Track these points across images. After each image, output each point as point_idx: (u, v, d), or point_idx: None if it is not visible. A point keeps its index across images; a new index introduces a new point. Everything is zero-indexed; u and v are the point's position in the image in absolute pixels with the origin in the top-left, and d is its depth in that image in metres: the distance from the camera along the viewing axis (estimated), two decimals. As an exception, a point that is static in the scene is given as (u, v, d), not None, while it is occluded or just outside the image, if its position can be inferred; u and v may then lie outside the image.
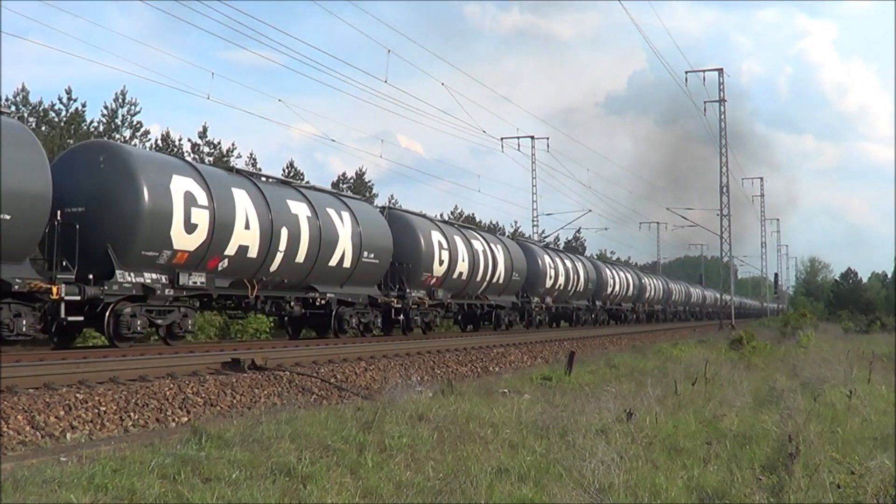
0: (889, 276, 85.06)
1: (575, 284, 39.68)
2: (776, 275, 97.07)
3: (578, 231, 72.49)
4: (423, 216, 26.72)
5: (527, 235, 49.97)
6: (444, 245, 25.51)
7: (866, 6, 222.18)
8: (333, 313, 20.36)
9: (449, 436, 8.30)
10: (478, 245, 28.45)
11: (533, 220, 52.35)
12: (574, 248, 65.89)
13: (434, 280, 25.03)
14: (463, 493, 6.32)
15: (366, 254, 21.08)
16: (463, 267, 26.72)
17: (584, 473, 6.67)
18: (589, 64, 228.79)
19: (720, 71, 47.04)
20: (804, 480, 6.62)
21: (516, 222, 72.18)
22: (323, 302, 19.94)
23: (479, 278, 28.23)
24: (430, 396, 10.77)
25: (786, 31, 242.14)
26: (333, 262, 19.98)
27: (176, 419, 10.38)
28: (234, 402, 11.47)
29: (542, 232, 53.09)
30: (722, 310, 53.73)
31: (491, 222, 59.94)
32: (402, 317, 23.68)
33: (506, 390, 12.82)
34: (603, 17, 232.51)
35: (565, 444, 8.06)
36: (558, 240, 58.47)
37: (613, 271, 48.67)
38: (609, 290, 46.06)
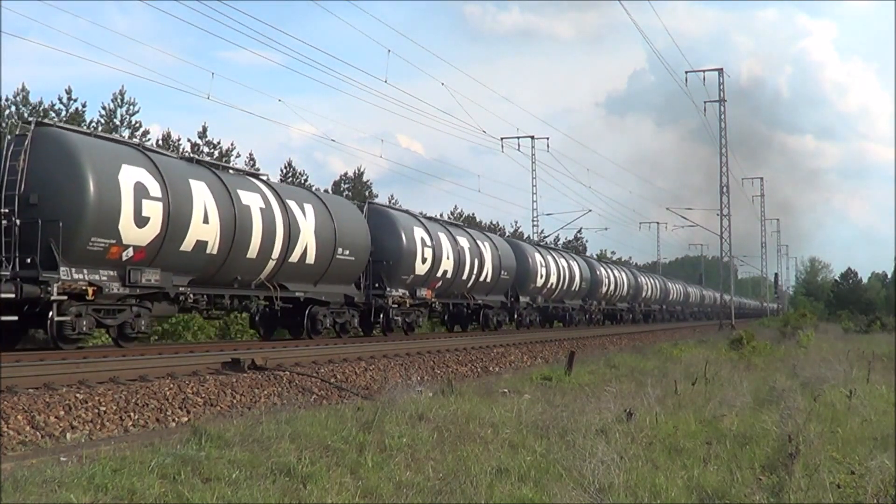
0: (889, 276, 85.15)
1: (478, 274, 28.20)
2: (776, 275, 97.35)
3: (579, 231, 72.48)
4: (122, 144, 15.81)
5: (526, 236, 49.90)
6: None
7: (866, 6, 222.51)
8: None
9: (449, 436, 8.30)
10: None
11: (533, 220, 52.40)
12: (574, 247, 65.83)
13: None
14: (463, 493, 6.32)
15: None
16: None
17: (584, 473, 6.66)
18: (589, 64, 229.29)
19: (720, 71, 47.15)
20: (804, 480, 6.63)
21: (516, 222, 72.43)
22: None
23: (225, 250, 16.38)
24: (430, 396, 10.77)
25: (786, 31, 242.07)
26: None
27: (176, 419, 10.37)
28: (234, 402, 11.46)
29: (542, 232, 53.10)
30: (722, 310, 53.76)
31: (491, 222, 60.06)
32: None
33: (506, 390, 12.82)
34: (603, 17, 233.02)
35: (565, 444, 8.06)
36: (558, 239, 58.32)
37: (549, 258, 36.50)
38: (539, 282, 34.52)
